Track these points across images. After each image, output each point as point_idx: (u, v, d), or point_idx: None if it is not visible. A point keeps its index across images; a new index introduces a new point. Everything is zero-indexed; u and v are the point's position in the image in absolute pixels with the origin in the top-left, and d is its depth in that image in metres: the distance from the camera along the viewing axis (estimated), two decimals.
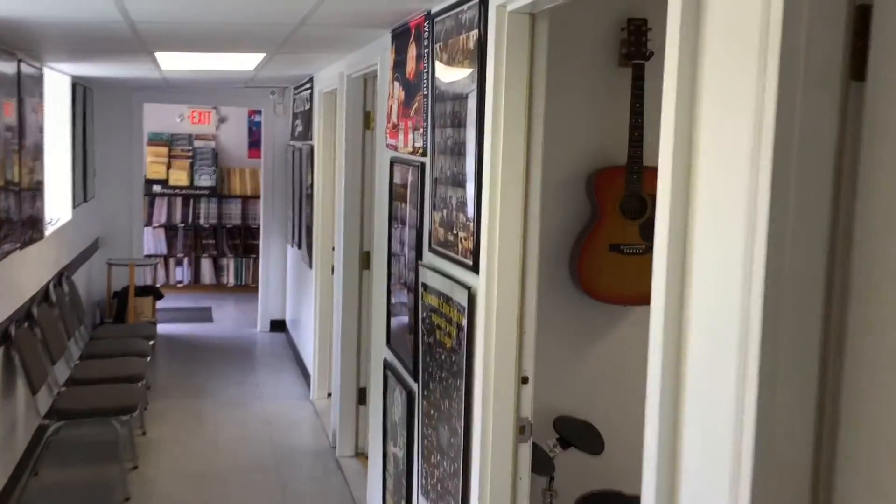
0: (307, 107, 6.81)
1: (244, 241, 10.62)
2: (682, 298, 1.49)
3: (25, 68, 4.76)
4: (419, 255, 3.27)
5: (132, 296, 7.32)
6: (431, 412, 3.05)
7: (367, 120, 4.93)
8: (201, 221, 10.50)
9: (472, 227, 2.63)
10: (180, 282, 10.51)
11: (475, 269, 2.61)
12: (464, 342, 2.67)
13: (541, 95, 2.43)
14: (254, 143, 10.69)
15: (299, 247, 7.29)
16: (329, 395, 6.25)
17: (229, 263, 10.62)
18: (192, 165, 10.45)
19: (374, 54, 4.18)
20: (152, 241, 10.40)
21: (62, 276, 5.85)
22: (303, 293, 7.24)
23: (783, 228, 1.23)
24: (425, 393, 3.13)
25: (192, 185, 10.41)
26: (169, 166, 10.42)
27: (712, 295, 1.40)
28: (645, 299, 3.08)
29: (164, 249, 10.46)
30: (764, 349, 1.24)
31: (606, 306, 3.18)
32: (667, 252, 1.50)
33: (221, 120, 10.71)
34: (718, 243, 1.38)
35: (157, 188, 10.33)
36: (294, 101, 7.82)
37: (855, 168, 1.22)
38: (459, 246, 2.75)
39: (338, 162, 5.17)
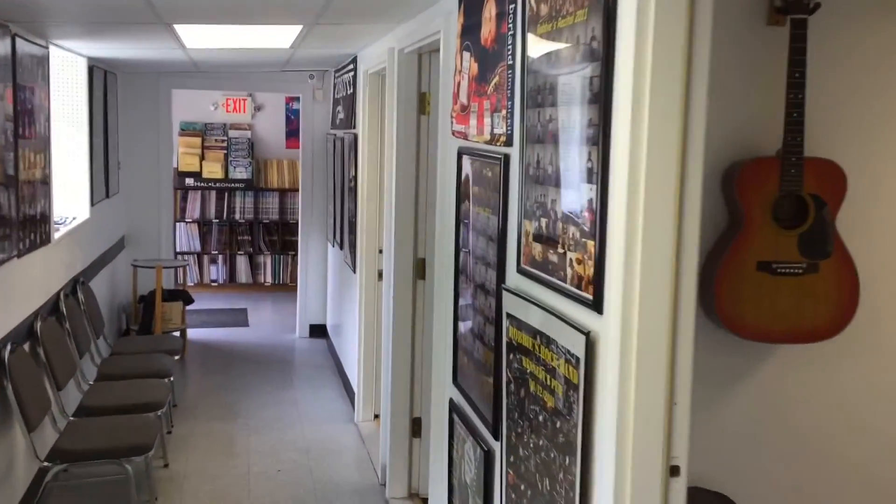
0: (350, 91, 6.07)
1: (282, 238, 9.95)
2: None
3: (25, 45, 4.07)
4: (501, 276, 2.51)
5: (159, 301, 6.66)
6: (521, 487, 2.29)
7: (423, 103, 4.17)
8: (237, 216, 9.85)
9: (591, 248, 1.86)
10: (215, 281, 9.88)
11: (596, 306, 1.84)
12: (577, 407, 1.90)
13: (704, 55, 1.65)
14: (291, 133, 10.01)
15: (341, 247, 6.57)
16: (376, 416, 5.53)
17: (266, 261, 9.97)
18: (226, 157, 9.80)
19: (434, 22, 3.41)
20: (185, 237, 9.78)
21: (77, 284, 5.19)
22: (345, 298, 6.53)
23: None
24: (511, 459, 2.37)
25: (226, 178, 9.75)
26: (202, 158, 9.77)
27: None
28: (804, 336, 2.38)
29: (197, 246, 9.82)
30: None
31: (749, 345, 2.38)
32: None
33: (257, 108, 10.04)
34: None
35: (189, 181, 9.69)
36: (335, 85, 7.09)
37: None
38: (568, 271, 1.98)
39: (387, 153, 4.42)
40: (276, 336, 7.91)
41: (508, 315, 2.38)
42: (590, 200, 1.86)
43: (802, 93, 2.21)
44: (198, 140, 9.77)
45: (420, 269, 4.27)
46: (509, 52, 2.45)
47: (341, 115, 6.58)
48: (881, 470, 2.52)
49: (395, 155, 4.24)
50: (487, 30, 2.65)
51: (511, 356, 2.35)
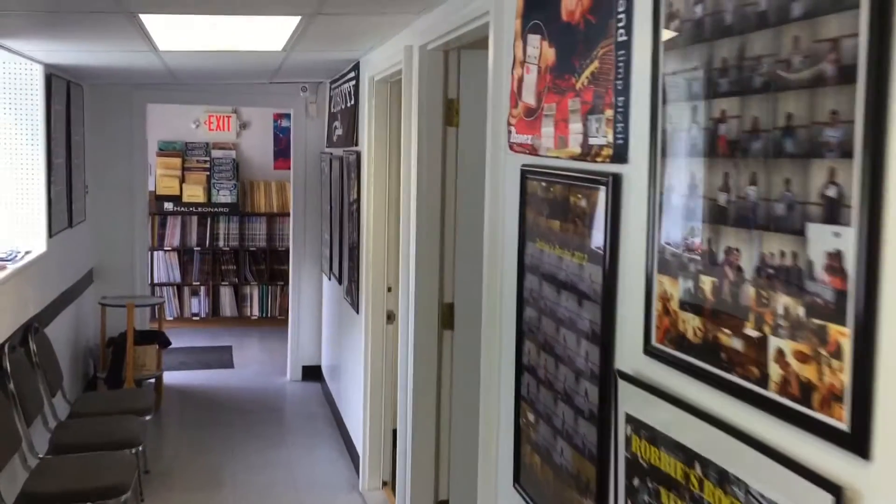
0: (350, 103, 5.28)
1: (270, 267, 9.11)
2: None
3: None
4: (607, 354, 1.70)
5: (130, 345, 5.81)
6: None
7: (450, 112, 3.37)
8: (220, 244, 9.01)
9: (836, 337, 1.06)
10: (196, 315, 9.01)
11: (854, 443, 1.04)
12: None
13: None
14: (280, 152, 9.21)
15: (339, 280, 5.76)
16: (384, 483, 4.69)
17: (253, 292, 9.12)
18: (209, 179, 8.97)
19: (475, 2, 2.62)
20: (164, 267, 8.93)
21: (29, 332, 4.34)
22: (344, 338, 5.70)
23: None
24: None
25: (209, 202, 8.92)
26: (183, 180, 8.94)
27: None
28: None
29: (177, 277, 8.97)
30: None
31: None
32: None
33: (243, 126, 9.23)
34: None
35: (168, 206, 8.85)
36: (331, 98, 6.30)
37: None
38: (774, 370, 1.18)
39: (404, 174, 3.62)
40: (265, 379, 7.05)
41: (631, 418, 1.57)
42: (836, 252, 1.06)
43: None
44: (177, 161, 8.95)
45: (447, 316, 3.46)
46: (620, 25, 1.66)
47: (339, 132, 5.78)
48: None
49: (414, 177, 3.44)
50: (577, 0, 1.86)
51: (636, 481, 1.54)
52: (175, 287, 8.96)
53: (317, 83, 6.79)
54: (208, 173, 8.98)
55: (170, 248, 8.91)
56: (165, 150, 8.95)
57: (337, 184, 5.77)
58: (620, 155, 1.66)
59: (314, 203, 6.93)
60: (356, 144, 5.06)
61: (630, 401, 1.58)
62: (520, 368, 2.22)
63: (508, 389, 2.30)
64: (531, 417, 2.14)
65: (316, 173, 6.92)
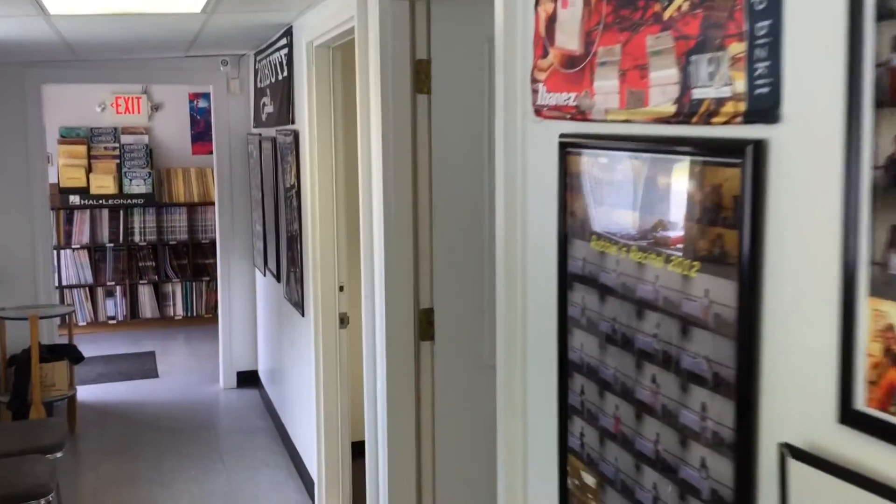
0: (283, 74, 4.59)
1: (192, 261, 8.32)
2: None
3: None
4: (746, 412, 1.13)
5: (36, 363, 5.02)
6: None
7: (420, 77, 2.74)
8: (136, 238, 8.17)
9: None
10: (113, 318, 8.17)
11: None
12: None
13: None
14: (198, 136, 8.41)
15: (277, 278, 5.09)
16: None
17: (175, 290, 8.32)
18: (119, 168, 8.11)
19: None
20: (73, 267, 8.05)
21: None
22: (286, 341, 5.05)
23: None
24: None
25: (121, 193, 8.06)
26: (89, 170, 8.06)
27: None
28: None
29: (88, 277, 8.10)
30: None
31: None
32: None
33: (155, 108, 8.38)
34: None
35: (75, 199, 7.96)
36: (257, 72, 5.59)
37: None
38: None
39: (362, 155, 2.98)
40: (195, 389, 6.33)
41: None
42: None
43: None
44: (83, 149, 8.05)
45: (425, 324, 2.85)
46: None
47: (269, 109, 5.09)
48: None
49: (377, 157, 2.81)
50: None
51: None
52: (87, 289, 8.10)
53: (238, 56, 6.06)
54: (118, 161, 8.12)
55: (78, 246, 8.03)
56: (68, 137, 8.05)
57: (269, 168, 5.09)
58: (765, 111, 1.08)
59: (242, 191, 6.21)
60: (292, 122, 4.39)
61: (812, 493, 1.01)
62: (566, 412, 1.64)
63: (548, 439, 1.72)
64: (590, 480, 1.56)
65: (242, 157, 6.19)
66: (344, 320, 4.01)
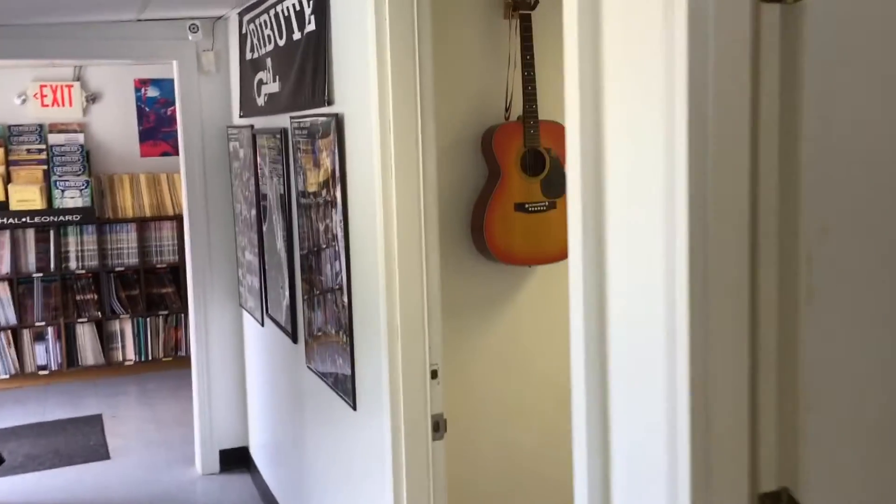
0: (303, 32, 2.98)
1: (145, 291, 6.58)
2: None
3: None
4: None
5: None
6: None
7: None
8: (72, 265, 6.40)
9: None
10: (44, 368, 6.39)
11: None
12: None
13: None
14: (148, 133, 6.70)
15: (292, 337, 3.47)
16: None
17: (124, 328, 6.57)
18: (47, 175, 6.34)
19: None
20: None
21: None
22: (309, 427, 3.44)
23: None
24: None
25: (51, 209, 6.29)
26: (8, 180, 6.27)
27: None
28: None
29: (11, 317, 6.30)
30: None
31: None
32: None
33: (91, 98, 6.62)
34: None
35: None
36: (245, 37, 3.94)
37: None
38: None
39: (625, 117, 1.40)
40: (162, 475, 4.64)
41: None
42: None
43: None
44: None
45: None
46: None
47: (273, 87, 3.46)
48: None
49: (670, 118, 1.23)
50: None
51: None
52: (9, 332, 6.30)
53: (213, 19, 4.40)
54: (46, 168, 6.35)
55: None
56: None
57: (272, 172, 3.46)
58: None
59: (221, 205, 4.55)
60: (328, 103, 2.78)
61: None
62: None
63: None
64: None
65: (220, 158, 4.52)
66: (439, 425, 2.43)
